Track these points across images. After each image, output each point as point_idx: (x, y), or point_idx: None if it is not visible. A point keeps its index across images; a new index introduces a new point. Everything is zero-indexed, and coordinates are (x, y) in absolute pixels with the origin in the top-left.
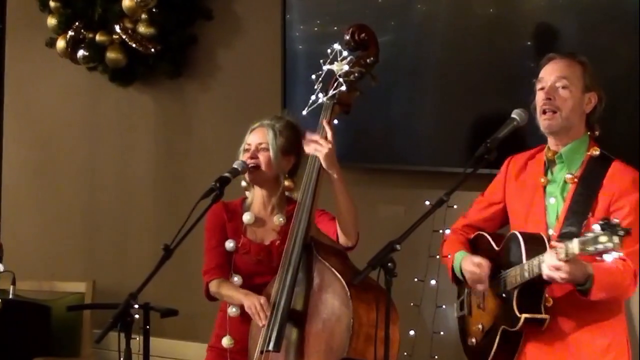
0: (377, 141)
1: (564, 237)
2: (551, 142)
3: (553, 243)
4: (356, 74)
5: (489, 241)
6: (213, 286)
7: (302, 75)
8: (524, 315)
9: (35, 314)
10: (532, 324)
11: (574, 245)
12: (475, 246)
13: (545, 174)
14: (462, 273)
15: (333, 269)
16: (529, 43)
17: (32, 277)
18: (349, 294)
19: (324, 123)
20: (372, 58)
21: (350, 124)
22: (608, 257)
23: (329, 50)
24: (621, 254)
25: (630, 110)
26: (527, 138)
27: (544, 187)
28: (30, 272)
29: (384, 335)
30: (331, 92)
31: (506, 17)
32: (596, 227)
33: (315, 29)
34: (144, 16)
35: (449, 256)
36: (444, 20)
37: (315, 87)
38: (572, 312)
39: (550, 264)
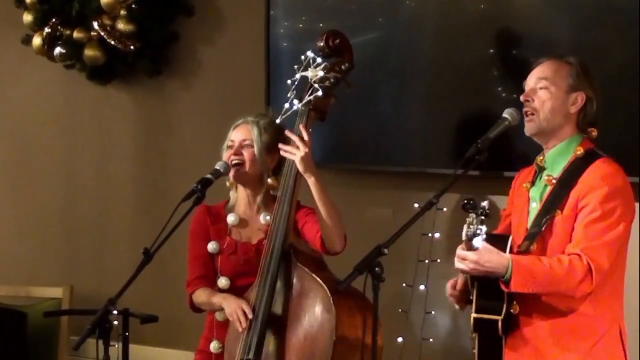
0: (364, 141)
1: (527, 238)
2: (543, 146)
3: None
4: (332, 80)
5: None
6: (196, 297)
7: (287, 73)
8: (473, 315)
9: (10, 321)
10: (487, 326)
11: (463, 232)
12: None
13: (534, 179)
14: None
15: (314, 275)
16: (521, 40)
17: (7, 282)
18: (331, 299)
19: (301, 127)
20: (346, 64)
21: (336, 124)
22: (477, 242)
23: (302, 57)
24: (483, 237)
25: (626, 109)
26: (519, 138)
27: (528, 192)
28: (5, 277)
29: (368, 342)
30: (307, 98)
31: (498, 14)
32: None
33: (301, 25)
34: (122, 12)
35: None
36: (433, 17)
37: (289, 94)
38: (547, 316)
39: (457, 255)
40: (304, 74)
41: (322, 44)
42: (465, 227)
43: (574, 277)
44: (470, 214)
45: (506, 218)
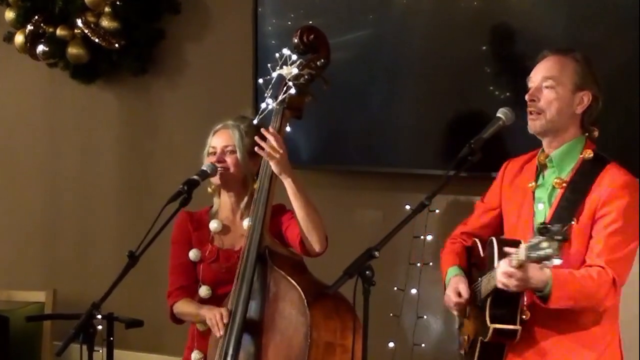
0: (354, 142)
1: None
2: (544, 144)
3: (506, 249)
4: (306, 77)
5: (479, 249)
6: (177, 308)
7: (271, 73)
8: (492, 326)
9: None
10: (504, 335)
11: (521, 252)
12: (472, 254)
13: (537, 179)
14: None
15: (289, 278)
16: (515, 38)
17: None
18: (305, 302)
19: (271, 129)
20: (322, 60)
21: (326, 124)
22: (550, 264)
23: (277, 55)
24: (561, 261)
25: (622, 110)
26: (513, 138)
27: (533, 192)
28: None
29: (349, 343)
30: (280, 97)
31: (491, 11)
32: (536, 231)
33: (289, 23)
34: (107, 9)
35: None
36: (425, 14)
37: (266, 94)
38: (555, 324)
39: (503, 271)
40: (279, 72)
41: (296, 40)
42: (526, 247)
43: (602, 291)
44: (543, 237)
45: (487, 212)
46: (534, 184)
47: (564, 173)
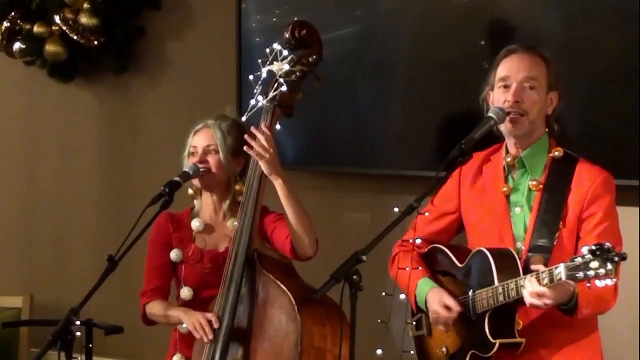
0: (341, 142)
1: (534, 250)
2: (510, 143)
3: (534, 266)
4: (298, 74)
5: (450, 256)
6: (150, 309)
7: (259, 69)
8: (499, 341)
9: None
10: (507, 348)
11: (561, 271)
12: (431, 261)
13: (506, 181)
14: (426, 304)
15: (278, 282)
16: (508, 35)
17: None
18: (296, 307)
19: (264, 127)
20: (314, 56)
21: (312, 124)
22: (600, 283)
23: (267, 50)
24: (615, 280)
25: (620, 107)
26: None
27: (507, 196)
28: None
29: (340, 351)
30: (271, 94)
31: (483, 7)
32: (585, 251)
33: (274, 19)
34: (86, 5)
35: (407, 269)
36: (414, 10)
37: (255, 90)
38: (545, 333)
39: (534, 291)
40: (269, 68)
41: (287, 35)
42: (566, 267)
43: (611, 293)
44: (593, 257)
45: (443, 216)
46: (507, 187)
47: (537, 174)
